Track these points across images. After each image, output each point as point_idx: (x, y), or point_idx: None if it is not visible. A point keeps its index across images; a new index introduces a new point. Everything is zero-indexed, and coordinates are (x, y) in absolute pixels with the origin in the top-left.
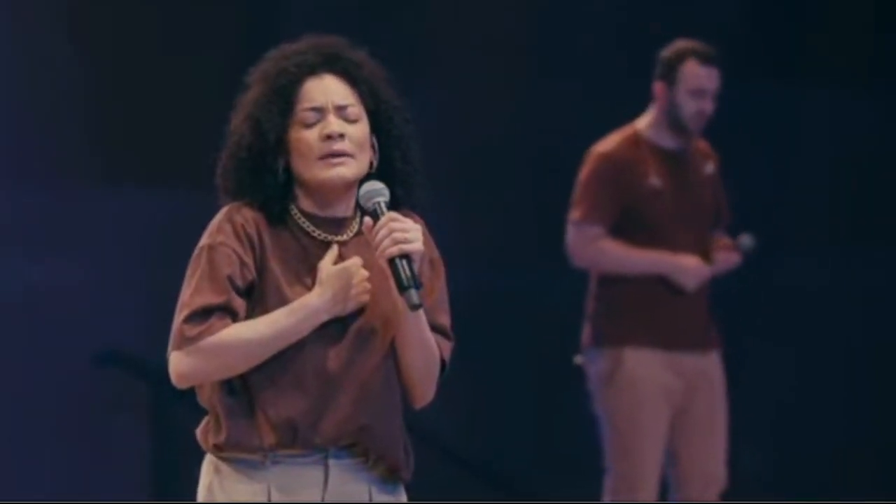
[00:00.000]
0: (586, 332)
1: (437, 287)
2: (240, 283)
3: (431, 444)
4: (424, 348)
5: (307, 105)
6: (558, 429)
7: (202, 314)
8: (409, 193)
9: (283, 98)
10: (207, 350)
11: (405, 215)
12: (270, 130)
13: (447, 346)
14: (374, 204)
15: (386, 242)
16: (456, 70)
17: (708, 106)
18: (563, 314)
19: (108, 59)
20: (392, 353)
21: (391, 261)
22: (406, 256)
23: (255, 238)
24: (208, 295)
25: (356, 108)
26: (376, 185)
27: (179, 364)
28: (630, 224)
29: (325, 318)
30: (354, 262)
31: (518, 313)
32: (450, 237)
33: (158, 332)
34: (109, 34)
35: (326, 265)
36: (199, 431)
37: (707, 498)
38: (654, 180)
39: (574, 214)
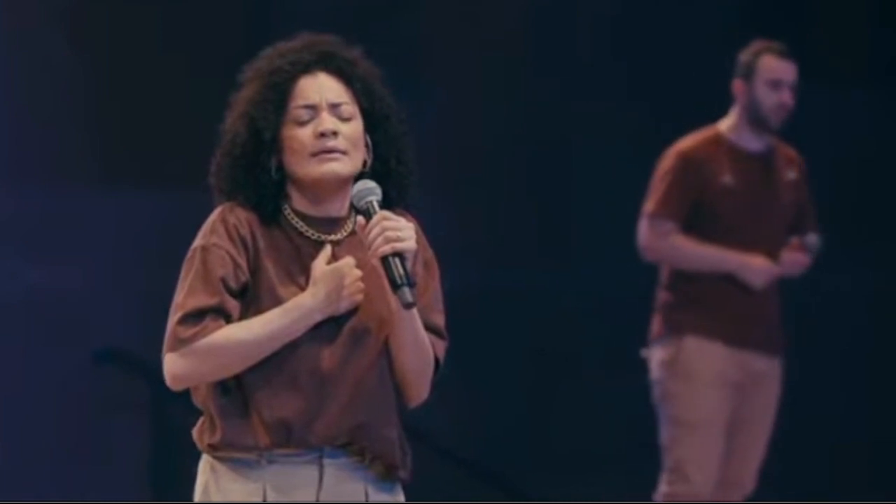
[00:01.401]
0: (655, 323)
1: (431, 287)
2: (233, 284)
3: (428, 444)
4: (419, 348)
5: (301, 102)
6: (557, 428)
7: (196, 316)
8: (403, 193)
9: (277, 96)
10: (201, 351)
11: (399, 215)
12: (265, 128)
13: (441, 346)
14: (366, 203)
15: (378, 241)
16: (454, 69)
17: (787, 98)
18: (562, 312)
19: (107, 59)
20: (386, 352)
21: (384, 259)
22: (399, 255)
23: (249, 238)
24: (202, 296)
25: (350, 107)
26: (368, 184)
27: (173, 366)
28: (702, 221)
29: (319, 318)
30: (347, 261)
31: (516, 312)
32: (446, 235)
33: (157, 331)
34: (108, 35)
35: (319, 265)
36: (194, 431)
37: (729, 499)
38: (728, 179)
39: (647, 208)
